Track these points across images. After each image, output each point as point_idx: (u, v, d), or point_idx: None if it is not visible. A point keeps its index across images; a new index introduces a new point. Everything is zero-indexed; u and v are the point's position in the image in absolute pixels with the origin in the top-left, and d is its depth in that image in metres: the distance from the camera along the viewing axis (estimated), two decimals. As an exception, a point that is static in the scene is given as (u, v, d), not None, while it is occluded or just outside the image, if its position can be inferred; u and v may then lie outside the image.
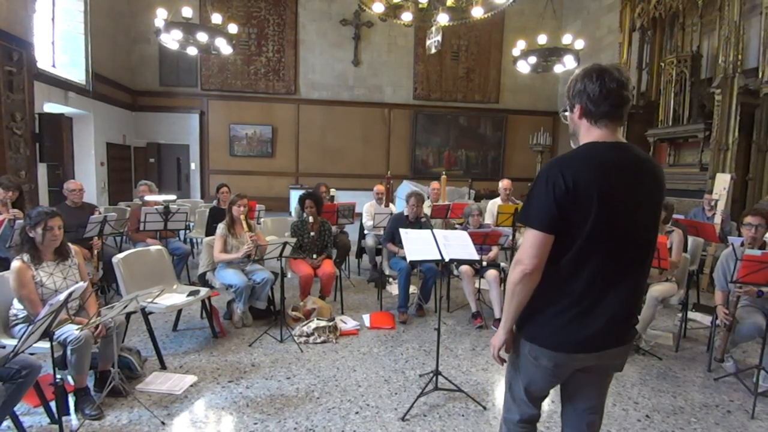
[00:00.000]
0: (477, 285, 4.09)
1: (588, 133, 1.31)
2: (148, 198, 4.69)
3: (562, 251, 1.28)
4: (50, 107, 7.18)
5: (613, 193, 1.24)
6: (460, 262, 3.78)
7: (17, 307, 2.43)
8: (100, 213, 4.14)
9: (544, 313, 1.34)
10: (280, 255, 3.41)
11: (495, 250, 4.20)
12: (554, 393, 2.73)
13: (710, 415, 2.56)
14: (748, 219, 3.01)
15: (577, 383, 1.46)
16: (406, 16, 5.40)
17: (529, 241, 1.28)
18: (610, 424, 2.43)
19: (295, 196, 8.07)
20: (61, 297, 1.98)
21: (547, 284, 1.32)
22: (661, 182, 1.34)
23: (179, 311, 3.56)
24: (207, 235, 4.52)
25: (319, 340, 3.41)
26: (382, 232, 4.98)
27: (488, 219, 5.03)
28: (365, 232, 5.39)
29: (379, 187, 5.78)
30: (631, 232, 1.29)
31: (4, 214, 3.42)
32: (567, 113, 1.37)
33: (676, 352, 3.44)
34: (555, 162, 1.28)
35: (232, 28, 6.40)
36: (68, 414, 2.33)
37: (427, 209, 5.26)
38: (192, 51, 6.46)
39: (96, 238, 3.82)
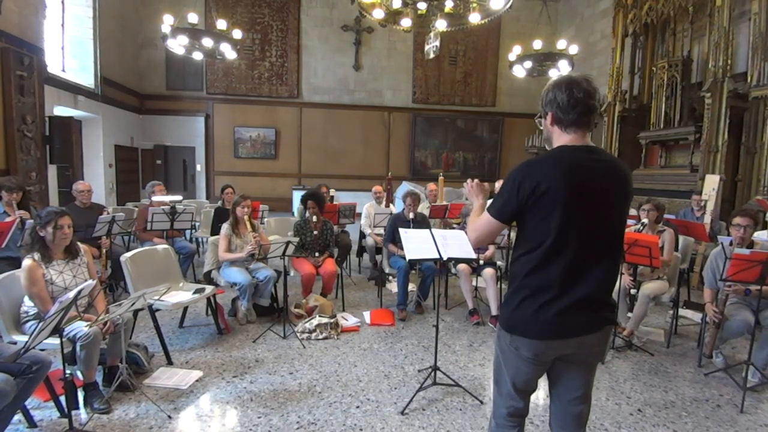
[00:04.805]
0: (474, 283, 4.16)
1: (559, 138, 1.42)
2: (155, 198, 4.74)
3: (536, 243, 1.36)
4: (60, 110, 7.27)
5: (579, 190, 1.32)
6: (458, 260, 3.83)
7: (28, 305, 2.47)
8: (108, 213, 4.18)
9: (522, 303, 1.39)
10: (283, 254, 3.47)
11: (492, 249, 4.25)
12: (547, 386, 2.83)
13: (700, 409, 2.60)
14: (737, 220, 3.03)
15: (559, 373, 1.49)
16: (406, 22, 5.45)
17: (483, 222, 1.45)
18: (603, 417, 2.48)
19: (297, 196, 8.15)
20: (71, 294, 2.01)
21: (523, 275, 1.39)
22: (629, 181, 1.43)
23: (185, 308, 3.62)
24: (212, 234, 4.57)
25: (321, 337, 3.47)
26: (382, 232, 5.06)
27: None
28: (365, 232, 5.47)
29: (377, 188, 5.90)
30: (602, 225, 1.36)
31: (11, 215, 3.45)
32: (541, 119, 1.47)
33: (667, 348, 3.48)
34: (524, 164, 1.38)
35: (237, 34, 6.46)
36: (77, 408, 2.37)
37: (425, 210, 5.33)
38: (198, 56, 6.55)
39: (105, 237, 3.87)
